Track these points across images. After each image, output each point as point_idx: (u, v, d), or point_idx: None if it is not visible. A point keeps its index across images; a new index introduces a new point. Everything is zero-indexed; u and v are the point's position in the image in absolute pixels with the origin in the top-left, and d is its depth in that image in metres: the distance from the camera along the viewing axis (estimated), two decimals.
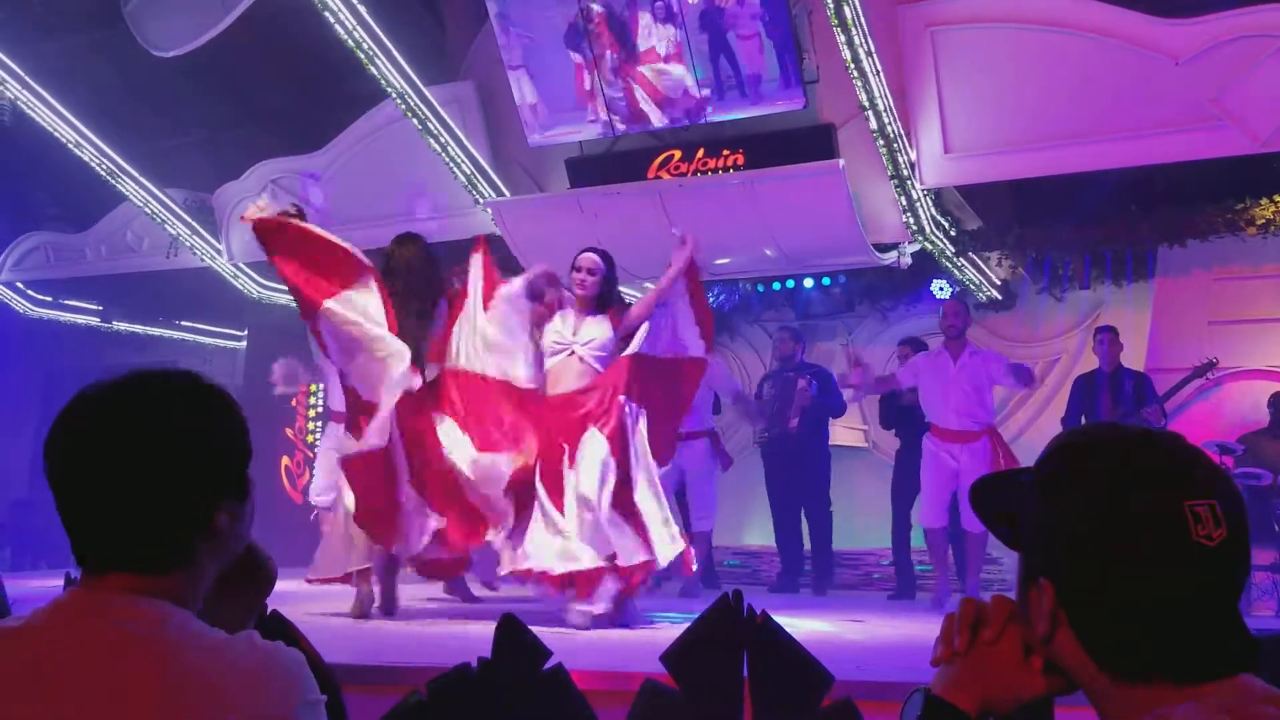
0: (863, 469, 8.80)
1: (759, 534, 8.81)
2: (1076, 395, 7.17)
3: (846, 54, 6.64)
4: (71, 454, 1.22)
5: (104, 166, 9.17)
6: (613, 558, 5.01)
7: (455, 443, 5.25)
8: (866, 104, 6.87)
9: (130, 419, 1.22)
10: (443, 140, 8.11)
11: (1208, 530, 1.00)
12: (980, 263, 8.28)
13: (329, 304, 5.23)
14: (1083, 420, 6.87)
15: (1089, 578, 1.03)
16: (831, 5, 6.48)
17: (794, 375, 7.81)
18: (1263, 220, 7.29)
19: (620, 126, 7.97)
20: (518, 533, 5.22)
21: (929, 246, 7.63)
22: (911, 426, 7.48)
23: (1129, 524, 1.01)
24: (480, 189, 8.34)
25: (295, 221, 5.31)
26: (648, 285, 8.83)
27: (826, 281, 9.07)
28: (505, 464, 5.23)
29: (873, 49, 6.71)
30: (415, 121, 8.03)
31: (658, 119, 7.87)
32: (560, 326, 5.37)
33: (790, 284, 9.18)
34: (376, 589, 5.47)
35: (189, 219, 9.63)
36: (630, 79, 7.79)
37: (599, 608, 4.96)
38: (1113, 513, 1.02)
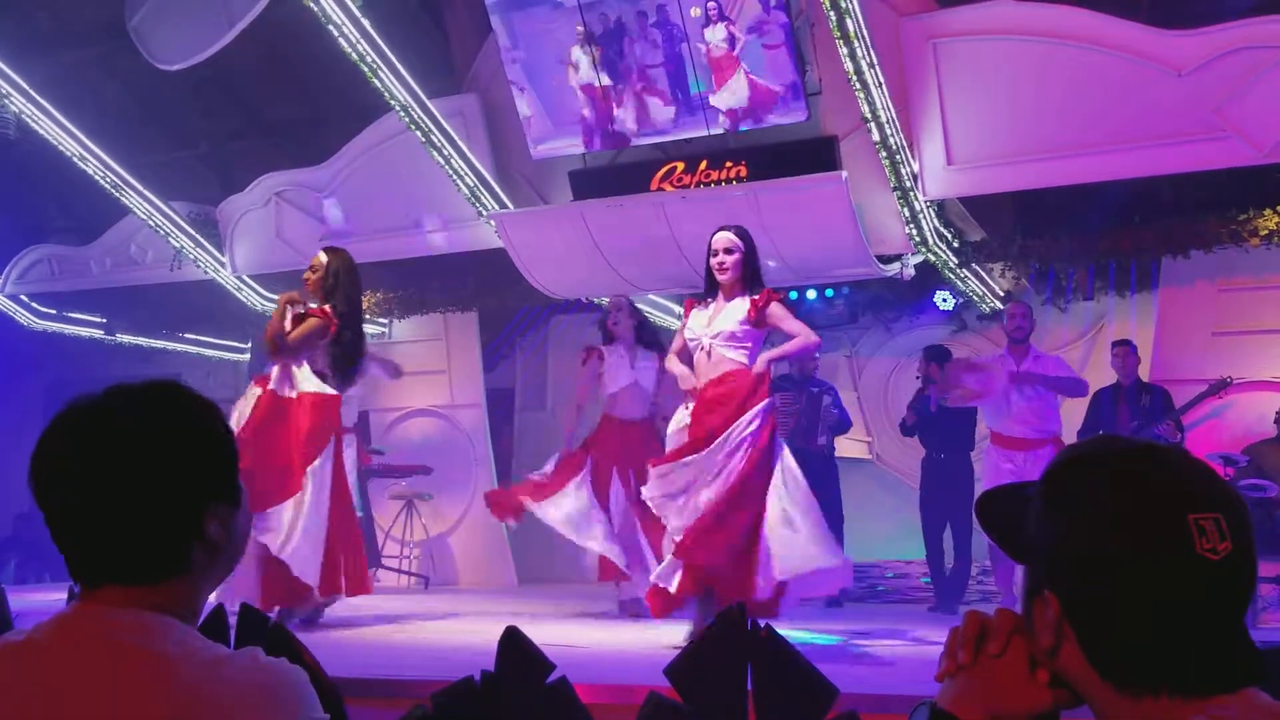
0: (867, 481, 8.79)
1: None
2: (1094, 409, 7.11)
3: (849, 66, 6.65)
4: (55, 469, 1.23)
5: (108, 180, 9.18)
6: None
7: None
8: (869, 116, 6.87)
9: (109, 429, 1.24)
10: (446, 153, 8.12)
11: (1212, 544, 0.99)
12: (983, 274, 8.27)
13: None
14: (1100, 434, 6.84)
15: (1094, 591, 1.02)
16: (834, 17, 6.48)
17: (818, 392, 7.79)
18: (1266, 231, 7.28)
19: (623, 138, 7.98)
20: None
21: (932, 258, 7.62)
22: (935, 434, 7.46)
23: (1133, 537, 1.00)
24: (484, 201, 8.35)
25: None
26: (653, 298, 8.84)
27: (830, 293, 9.07)
28: None
29: (875, 61, 6.72)
30: (419, 134, 8.04)
31: (660, 131, 7.88)
32: (696, 320, 5.07)
33: (793, 295, 9.14)
34: None
35: (193, 232, 9.64)
36: (633, 91, 7.80)
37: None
38: (1117, 526, 1.01)
